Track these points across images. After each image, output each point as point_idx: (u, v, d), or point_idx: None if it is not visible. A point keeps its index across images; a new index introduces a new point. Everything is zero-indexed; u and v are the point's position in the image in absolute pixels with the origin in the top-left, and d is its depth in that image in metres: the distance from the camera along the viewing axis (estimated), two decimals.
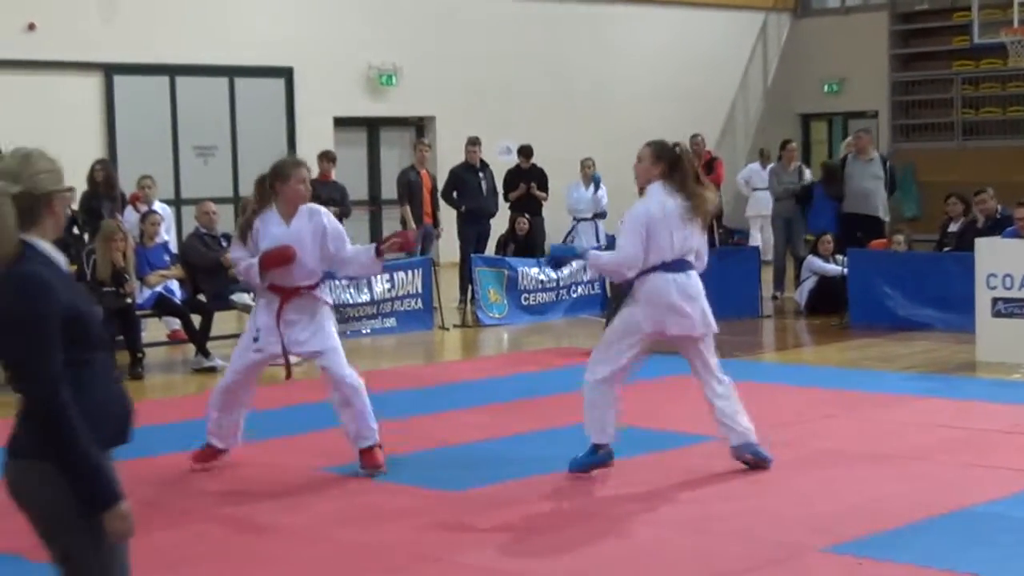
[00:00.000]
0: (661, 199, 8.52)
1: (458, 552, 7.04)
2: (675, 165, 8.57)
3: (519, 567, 6.76)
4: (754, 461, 8.77)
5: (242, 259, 9.03)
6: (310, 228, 8.91)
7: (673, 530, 7.44)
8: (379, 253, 9.05)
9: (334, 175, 17.55)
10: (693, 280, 8.68)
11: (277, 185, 8.95)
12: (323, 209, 9.20)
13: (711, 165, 19.85)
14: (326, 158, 17.51)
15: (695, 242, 8.67)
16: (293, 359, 9.33)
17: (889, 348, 14.18)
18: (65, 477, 4.08)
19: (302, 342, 8.96)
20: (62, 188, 4.24)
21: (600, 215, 19.77)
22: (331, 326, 9.11)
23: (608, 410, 8.71)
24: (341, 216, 17.23)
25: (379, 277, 16.15)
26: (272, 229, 8.90)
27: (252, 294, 13.83)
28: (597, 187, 19.66)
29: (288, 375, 9.16)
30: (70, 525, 4.15)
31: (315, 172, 17.19)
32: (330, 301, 9.41)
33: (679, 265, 8.61)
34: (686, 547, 7.10)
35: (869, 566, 6.63)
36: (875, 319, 15.50)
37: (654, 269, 8.54)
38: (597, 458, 8.76)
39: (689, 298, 8.60)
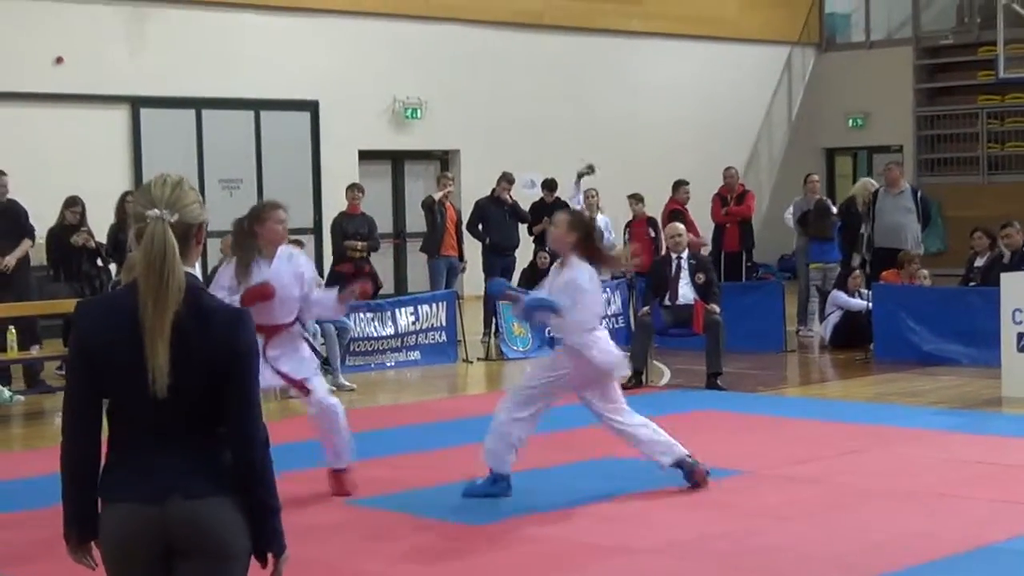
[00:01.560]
0: (588, 269, 9.12)
1: None
2: (587, 236, 9.19)
3: None
4: None
5: (223, 298, 9.20)
6: (289, 269, 9.29)
7: (696, 564, 7.41)
8: (341, 299, 9.49)
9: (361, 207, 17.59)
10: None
11: (255, 227, 9.34)
12: (299, 251, 9.72)
13: (742, 198, 19.86)
14: (355, 189, 17.57)
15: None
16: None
17: (914, 383, 14.13)
18: (262, 523, 4.13)
19: (288, 373, 9.31)
20: (206, 219, 4.11)
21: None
22: (311, 357, 9.51)
23: (512, 446, 9.13)
24: (370, 249, 17.30)
25: (403, 310, 16.20)
26: (253, 268, 9.26)
27: None
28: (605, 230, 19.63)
29: (307, 392, 9.36)
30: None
31: (345, 205, 17.35)
32: (308, 336, 9.74)
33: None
34: None
35: None
36: (900, 354, 15.44)
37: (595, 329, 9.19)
38: (496, 488, 9.12)
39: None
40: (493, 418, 9.23)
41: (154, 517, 3.93)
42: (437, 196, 18.35)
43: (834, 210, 18.97)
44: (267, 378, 9.19)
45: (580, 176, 19.39)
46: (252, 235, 9.29)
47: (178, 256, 3.89)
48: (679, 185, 19.90)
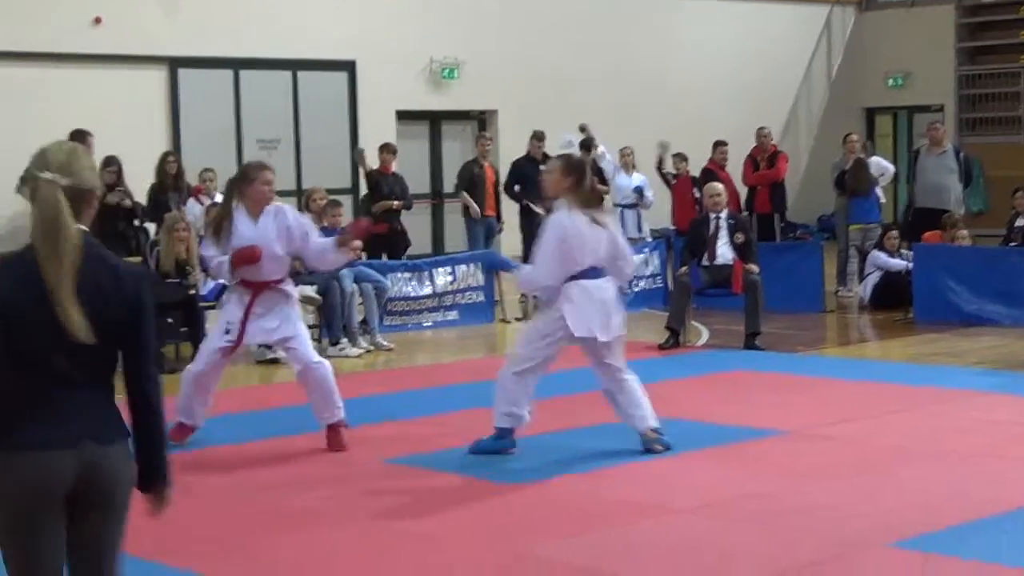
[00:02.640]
0: (571, 212, 8.99)
1: (521, 544, 7.02)
2: (580, 181, 9.05)
3: (583, 561, 6.74)
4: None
5: (213, 257, 9.63)
6: (275, 226, 9.48)
7: (735, 525, 7.40)
8: (341, 244, 9.62)
9: (395, 168, 17.55)
10: (608, 287, 9.17)
11: (243, 187, 9.58)
12: (288, 207, 9.81)
13: (774, 159, 19.71)
14: (387, 150, 17.52)
15: (603, 251, 9.11)
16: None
17: (954, 343, 14.05)
18: (156, 453, 4.44)
19: (271, 330, 9.58)
20: (98, 185, 4.44)
21: (641, 205, 19.63)
22: (297, 315, 9.71)
23: (520, 397, 9.15)
24: (403, 208, 17.30)
25: (441, 270, 16.21)
26: (241, 228, 9.47)
27: (316, 286, 13.90)
28: (640, 193, 19.54)
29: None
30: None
31: (377, 163, 17.34)
32: (295, 294, 9.90)
33: (594, 273, 9.09)
34: (749, 542, 7.05)
35: (935, 562, 6.57)
36: (940, 314, 15.35)
37: (573, 277, 9.02)
38: (501, 444, 9.17)
39: (605, 304, 9.09)
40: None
41: (68, 461, 4.19)
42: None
43: (876, 166, 18.79)
44: (254, 335, 9.63)
45: (581, 130, 19.39)
46: (240, 194, 9.52)
47: (69, 216, 4.15)
48: (717, 145, 19.81)
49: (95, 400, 4.31)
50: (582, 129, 19.59)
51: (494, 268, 10.08)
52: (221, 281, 14.09)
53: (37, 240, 4.16)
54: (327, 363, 9.59)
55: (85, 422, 4.25)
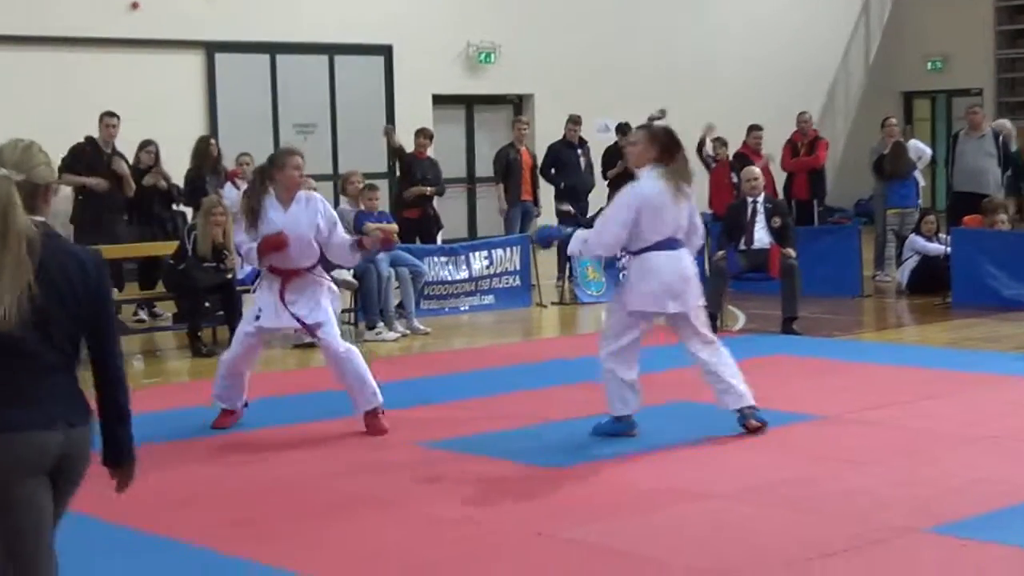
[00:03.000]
0: (653, 181, 8.90)
1: (557, 527, 7.02)
2: (666, 150, 8.95)
3: (620, 544, 6.74)
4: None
5: (243, 243, 9.64)
6: (306, 213, 9.50)
7: (773, 509, 7.38)
8: (360, 245, 9.73)
9: (429, 153, 17.53)
10: (685, 258, 9.08)
11: (274, 173, 9.55)
12: (319, 196, 9.80)
13: (814, 145, 19.61)
14: (423, 135, 17.49)
15: (684, 221, 9.04)
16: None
17: (992, 328, 13.98)
18: (123, 430, 4.63)
19: (301, 317, 9.54)
20: (56, 181, 4.64)
21: None
22: (327, 303, 9.68)
23: (618, 385, 9.07)
24: (436, 195, 17.28)
25: (477, 254, 16.21)
26: (271, 215, 9.48)
27: (351, 270, 13.93)
28: None
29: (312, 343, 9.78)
30: None
31: (412, 148, 17.32)
32: (328, 280, 9.88)
33: (670, 244, 8.98)
34: (787, 526, 7.04)
35: (973, 548, 6.54)
36: (978, 299, 15.28)
37: (647, 248, 8.91)
38: (618, 427, 9.12)
39: (683, 276, 8.99)
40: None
41: (48, 442, 4.39)
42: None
43: (913, 149, 18.70)
44: (283, 320, 9.60)
45: (651, 120, 19.17)
46: (271, 180, 9.51)
47: (19, 209, 4.29)
48: (751, 130, 19.72)
49: (66, 383, 4.47)
50: (662, 112, 19.40)
51: (549, 239, 9.94)
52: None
53: None
54: (355, 350, 9.61)
55: (59, 405, 4.43)
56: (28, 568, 4.43)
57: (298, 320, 9.51)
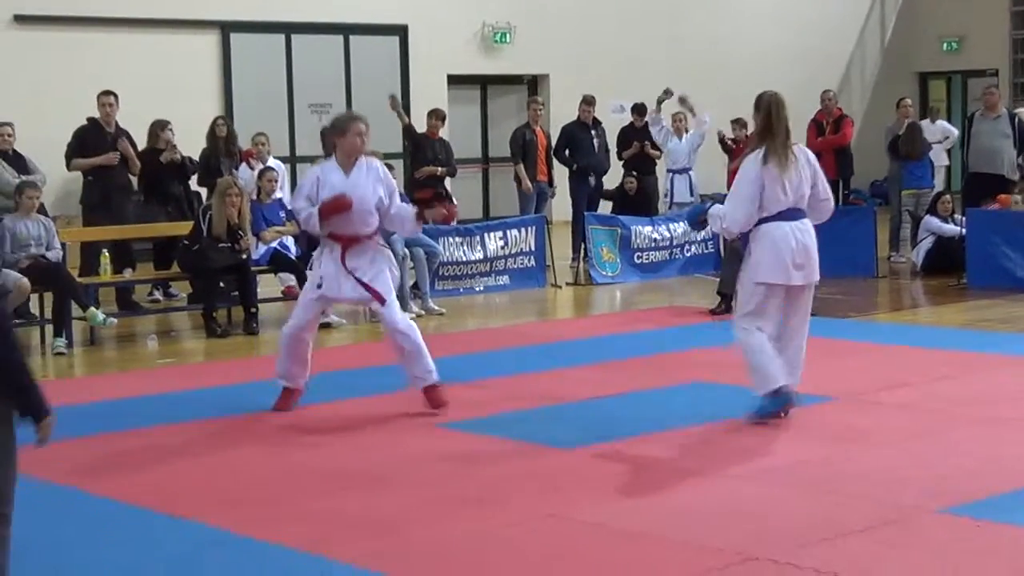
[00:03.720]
0: (765, 152, 8.76)
1: (571, 508, 7.04)
2: (769, 118, 8.81)
3: (633, 525, 6.75)
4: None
5: (303, 209, 9.47)
6: (368, 179, 9.41)
7: (787, 490, 7.39)
8: (419, 217, 9.65)
9: (443, 133, 17.49)
10: (808, 228, 8.91)
11: (336, 138, 9.48)
12: (378, 162, 9.71)
13: (839, 124, 19.55)
14: (435, 116, 17.43)
15: (806, 189, 8.84)
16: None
17: (1007, 309, 13.97)
18: (20, 392, 4.80)
19: (367, 283, 9.42)
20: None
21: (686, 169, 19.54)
22: (388, 273, 9.56)
23: (760, 359, 8.84)
24: (447, 176, 17.25)
25: (492, 235, 16.22)
26: (332, 179, 9.38)
27: None
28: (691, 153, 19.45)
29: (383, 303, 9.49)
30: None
31: (425, 128, 17.29)
32: (388, 251, 9.80)
33: (793, 214, 8.82)
34: (800, 507, 7.04)
35: (987, 528, 6.55)
36: (993, 280, 15.26)
37: (768, 219, 8.77)
38: (769, 406, 8.90)
39: (806, 247, 8.84)
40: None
41: None
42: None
43: (941, 130, 18.71)
44: (347, 290, 9.45)
45: (660, 102, 19.15)
46: (333, 146, 9.50)
47: None
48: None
49: None
50: (667, 93, 19.36)
51: (696, 216, 9.77)
52: (273, 245, 14.19)
53: None
54: (415, 325, 9.63)
55: None
56: None
57: (365, 287, 9.36)
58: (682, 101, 18.79)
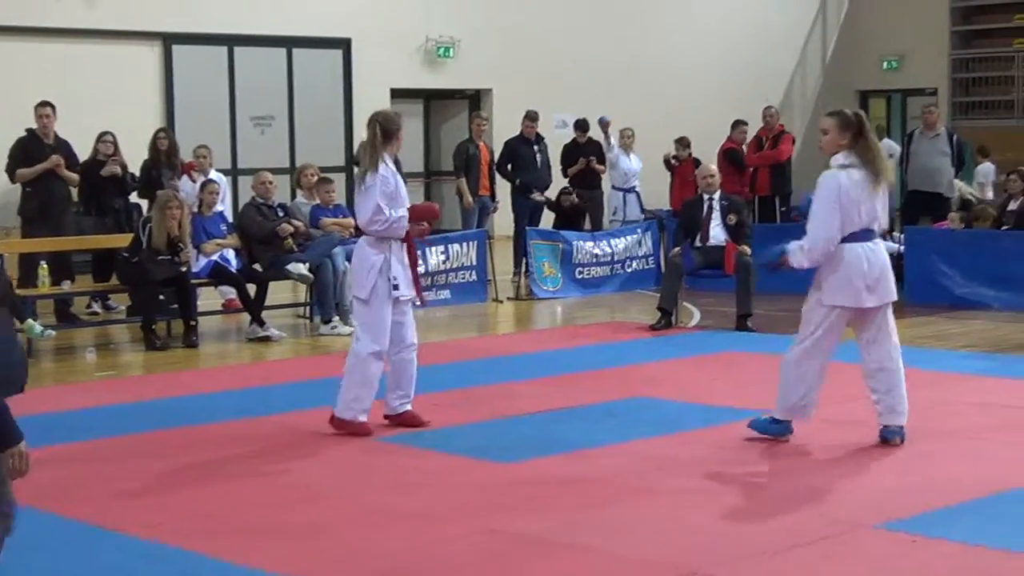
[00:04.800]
0: (847, 170, 8.58)
1: (512, 523, 7.04)
2: (860, 134, 8.61)
3: (574, 540, 6.76)
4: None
5: (384, 208, 9.18)
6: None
7: (727, 505, 7.43)
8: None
9: None
10: (880, 249, 8.75)
11: (389, 141, 9.41)
12: None
13: (777, 140, 19.57)
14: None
15: (880, 211, 8.72)
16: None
17: (945, 326, 14.09)
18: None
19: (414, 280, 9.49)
20: None
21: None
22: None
23: (798, 387, 8.80)
24: None
25: (433, 249, 16.22)
26: (394, 179, 9.29)
27: (307, 264, 13.91)
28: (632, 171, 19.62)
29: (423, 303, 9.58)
30: None
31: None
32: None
33: (866, 235, 8.67)
34: (741, 521, 7.08)
35: (922, 544, 6.60)
36: (931, 297, 15.38)
37: (843, 240, 8.60)
38: (774, 428, 8.90)
39: (879, 268, 8.67)
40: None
41: None
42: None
43: (887, 147, 18.84)
44: (406, 292, 9.36)
45: (602, 124, 19.36)
46: (386, 150, 9.36)
47: None
48: (736, 124, 19.75)
49: None
50: (602, 123, 19.56)
51: (777, 260, 9.45)
52: (213, 258, 14.13)
53: None
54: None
55: None
56: None
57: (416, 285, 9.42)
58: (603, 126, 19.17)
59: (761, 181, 19.37)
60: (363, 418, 9.23)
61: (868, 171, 8.55)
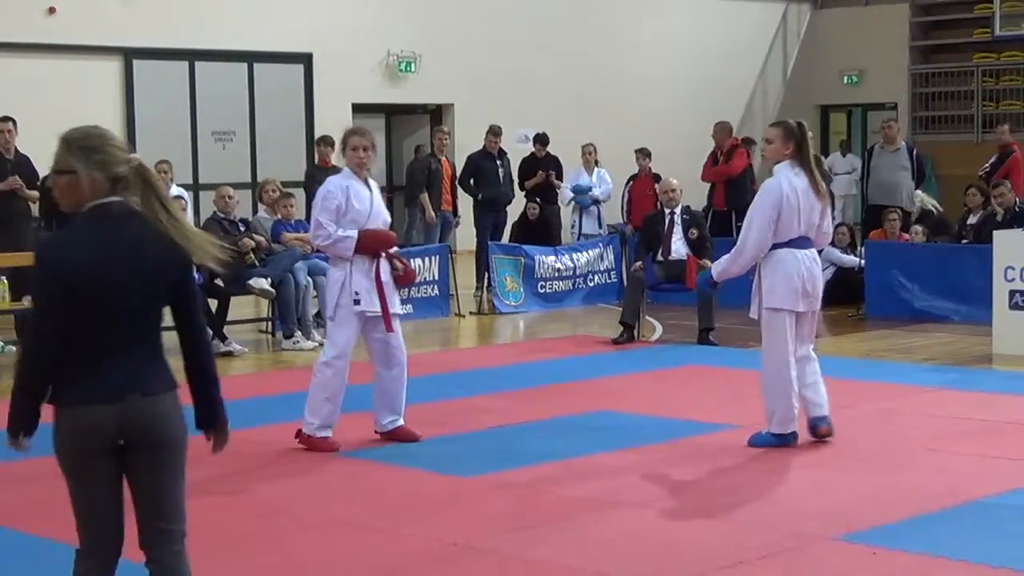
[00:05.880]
0: (789, 178, 8.87)
1: (466, 536, 7.04)
2: (801, 145, 8.90)
3: (535, 554, 6.76)
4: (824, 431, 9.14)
5: (329, 224, 9.11)
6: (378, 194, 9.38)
7: (689, 517, 7.45)
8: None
9: (334, 160, 17.26)
10: (817, 259, 9.12)
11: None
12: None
13: (730, 154, 19.49)
14: (324, 143, 17.20)
15: (818, 220, 8.99)
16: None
17: (905, 340, 14.16)
18: (211, 394, 4.98)
19: (394, 302, 9.43)
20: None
21: (599, 200, 19.67)
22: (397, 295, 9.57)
23: (785, 398, 9.03)
24: None
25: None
26: (360, 192, 9.21)
27: (269, 279, 13.88)
28: (600, 184, 19.62)
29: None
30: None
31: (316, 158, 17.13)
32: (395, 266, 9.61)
33: (803, 242, 8.96)
34: (701, 534, 7.10)
35: (883, 555, 6.63)
36: (892, 311, 15.47)
37: (780, 245, 8.90)
38: (778, 441, 9.08)
39: (814, 276, 9.02)
40: None
41: (115, 413, 4.59)
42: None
43: (850, 163, 18.92)
44: (368, 307, 9.23)
45: (536, 136, 19.47)
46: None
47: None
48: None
49: (141, 355, 4.69)
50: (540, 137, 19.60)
51: (706, 288, 9.63)
52: None
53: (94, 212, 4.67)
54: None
55: (132, 377, 4.64)
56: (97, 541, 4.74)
57: (383, 307, 9.21)
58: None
59: (717, 196, 19.34)
60: (322, 434, 9.18)
61: (810, 180, 8.86)
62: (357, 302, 9.16)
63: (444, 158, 18.64)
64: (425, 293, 16.47)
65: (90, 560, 4.78)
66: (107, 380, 4.60)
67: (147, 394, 4.66)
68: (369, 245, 9.11)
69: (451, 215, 18.68)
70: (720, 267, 9.31)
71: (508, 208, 18.92)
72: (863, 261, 16.22)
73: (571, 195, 19.49)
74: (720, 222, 18.97)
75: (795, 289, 8.89)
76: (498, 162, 18.78)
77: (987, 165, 18.67)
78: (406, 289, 16.12)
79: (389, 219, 9.47)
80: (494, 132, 18.81)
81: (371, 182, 9.38)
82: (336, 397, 9.22)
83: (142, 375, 4.68)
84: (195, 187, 20.82)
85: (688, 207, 14.96)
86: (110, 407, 4.58)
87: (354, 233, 9.06)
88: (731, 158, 19.26)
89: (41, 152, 15.72)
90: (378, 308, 9.23)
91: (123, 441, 4.63)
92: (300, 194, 17.15)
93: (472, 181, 18.69)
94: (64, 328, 4.55)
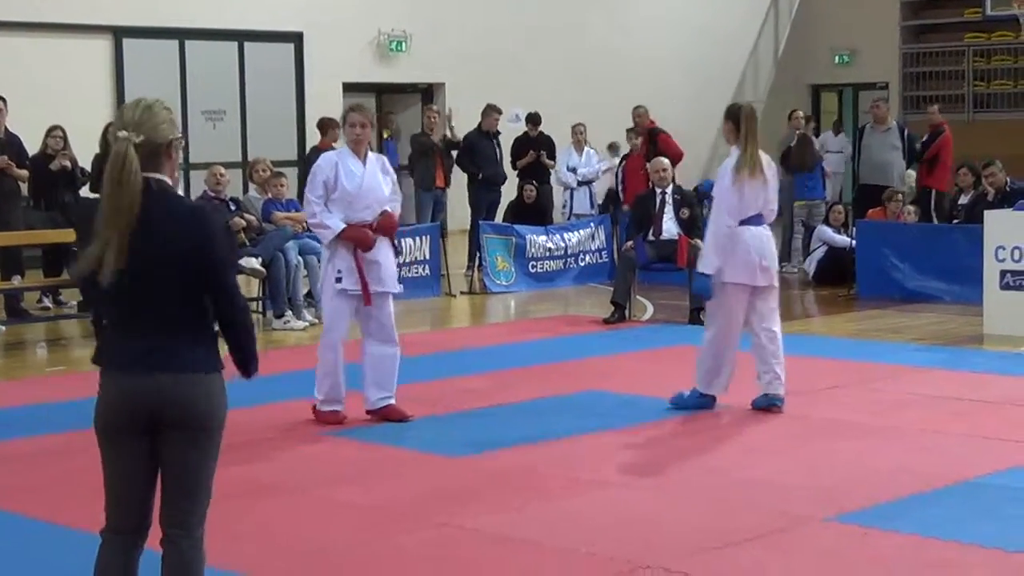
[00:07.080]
0: (728, 164, 9.40)
1: (460, 516, 7.04)
2: (739, 127, 9.39)
3: (524, 534, 6.76)
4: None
5: (317, 202, 9.23)
6: (377, 169, 9.35)
7: (677, 498, 7.44)
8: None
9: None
10: (770, 235, 9.56)
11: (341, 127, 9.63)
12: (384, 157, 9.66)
13: (653, 137, 18.85)
14: (330, 125, 17.18)
15: (763, 196, 9.41)
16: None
17: (897, 320, 14.16)
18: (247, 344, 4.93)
19: (383, 280, 9.38)
20: (178, 136, 4.77)
21: (589, 181, 19.65)
22: (395, 268, 9.61)
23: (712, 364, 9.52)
24: None
25: None
26: (351, 167, 9.26)
27: (259, 258, 13.85)
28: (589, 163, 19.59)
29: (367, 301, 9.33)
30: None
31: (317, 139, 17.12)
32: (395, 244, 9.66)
33: (758, 220, 9.43)
34: (690, 515, 7.10)
35: (874, 536, 6.63)
36: (883, 291, 15.48)
37: (739, 223, 9.34)
38: (698, 402, 9.53)
39: (770, 252, 9.47)
40: None
41: (145, 386, 4.56)
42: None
43: (841, 142, 18.89)
44: (348, 284, 9.27)
45: (528, 116, 19.40)
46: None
47: (134, 168, 4.52)
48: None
49: (176, 329, 4.62)
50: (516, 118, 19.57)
51: (708, 294, 9.74)
52: None
53: (103, 187, 4.57)
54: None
55: (166, 353, 4.59)
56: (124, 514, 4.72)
57: (364, 287, 9.22)
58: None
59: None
60: (328, 408, 9.32)
61: (752, 163, 9.30)
62: (339, 279, 9.22)
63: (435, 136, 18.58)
64: (416, 273, 16.44)
65: (107, 533, 4.82)
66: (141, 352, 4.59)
67: (180, 371, 4.62)
68: (348, 241, 9.19)
69: (443, 193, 18.60)
70: (713, 264, 9.43)
71: (503, 188, 18.89)
72: (854, 241, 16.21)
73: (567, 176, 19.45)
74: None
75: (753, 264, 9.30)
76: (494, 141, 18.74)
77: (918, 146, 18.60)
78: (397, 269, 16.14)
79: (386, 196, 9.39)
80: (495, 110, 18.76)
81: (372, 158, 9.37)
82: (333, 372, 9.31)
83: (177, 352, 4.64)
84: (185, 166, 20.75)
85: (679, 187, 14.95)
86: (140, 380, 4.57)
87: (336, 226, 9.14)
88: (654, 141, 18.89)
89: (32, 131, 15.81)
90: (358, 287, 9.24)
91: (157, 418, 4.61)
92: (291, 173, 17.12)
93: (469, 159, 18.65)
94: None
